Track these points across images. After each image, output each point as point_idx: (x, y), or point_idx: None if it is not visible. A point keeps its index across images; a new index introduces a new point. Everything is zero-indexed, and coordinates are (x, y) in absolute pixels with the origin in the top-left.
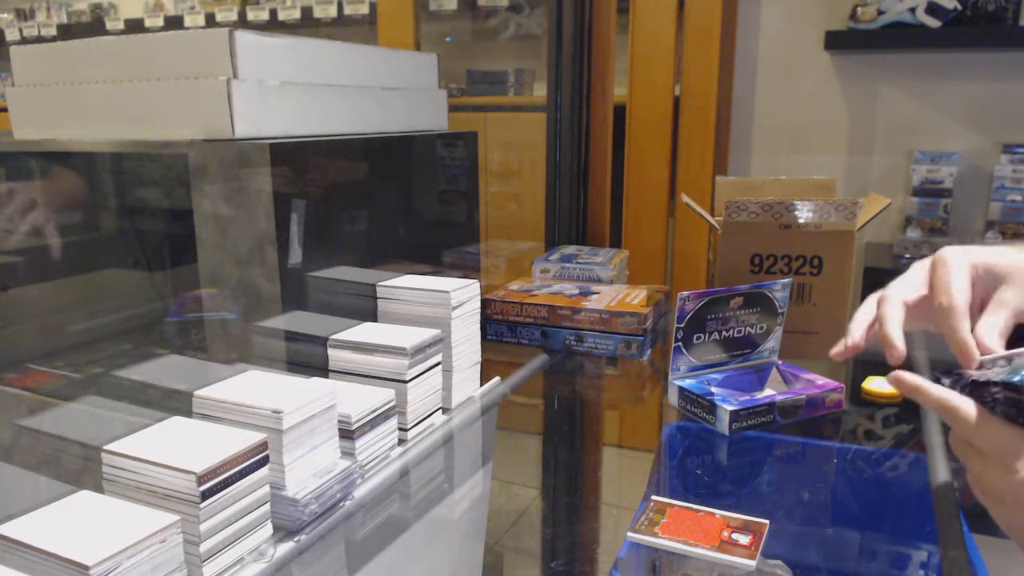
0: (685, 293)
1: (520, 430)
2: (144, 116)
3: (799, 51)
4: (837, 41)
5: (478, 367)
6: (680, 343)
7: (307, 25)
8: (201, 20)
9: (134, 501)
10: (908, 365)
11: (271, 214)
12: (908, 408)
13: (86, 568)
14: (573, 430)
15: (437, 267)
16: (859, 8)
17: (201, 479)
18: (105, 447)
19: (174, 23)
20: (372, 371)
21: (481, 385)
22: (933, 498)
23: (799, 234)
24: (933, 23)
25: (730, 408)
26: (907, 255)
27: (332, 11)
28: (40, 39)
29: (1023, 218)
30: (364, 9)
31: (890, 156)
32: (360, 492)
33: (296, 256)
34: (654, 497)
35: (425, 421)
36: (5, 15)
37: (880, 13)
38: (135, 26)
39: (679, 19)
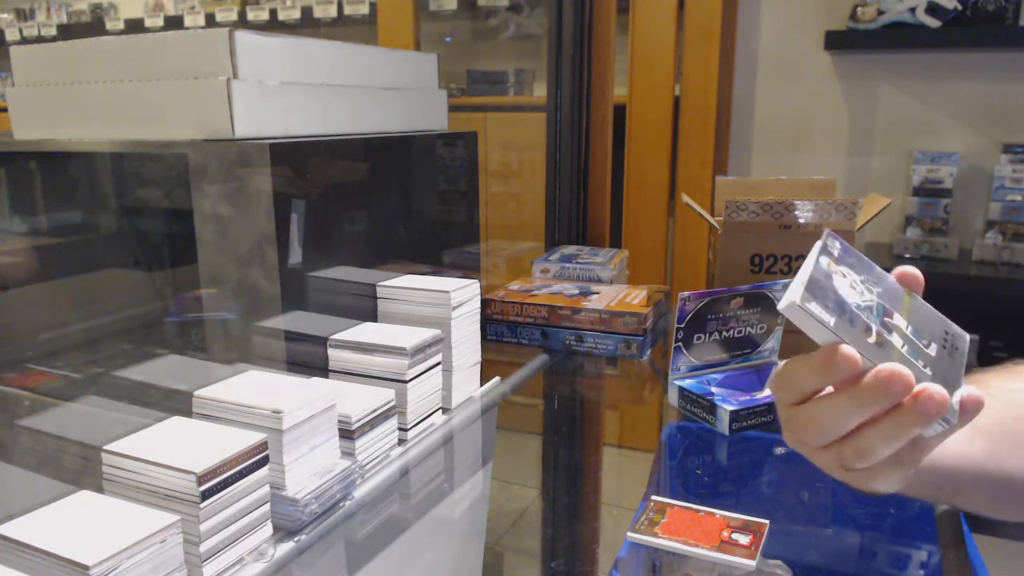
0: (685, 293)
1: (520, 430)
2: (144, 116)
3: (799, 51)
4: (837, 41)
5: (478, 367)
6: (680, 343)
7: (307, 25)
8: (201, 20)
9: (134, 501)
10: None
11: (271, 214)
12: None
13: (86, 568)
14: (573, 430)
15: (437, 267)
16: (859, 8)
17: (201, 479)
18: (105, 447)
19: (174, 23)
20: (372, 371)
21: (481, 385)
22: None
23: (799, 234)
24: (933, 23)
25: (730, 408)
26: (907, 255)
27: (332, 11)
28: (40, 39)
29: (1023, 218)
30: (364, 9)
31: (890, 156)
32: (360, 492)
33: (296, 256)
34: (654, 497)
35: (425, 421)
36: (5, 15)
37: (880, 13)
38: (135, 26)
39: (679, 19)
